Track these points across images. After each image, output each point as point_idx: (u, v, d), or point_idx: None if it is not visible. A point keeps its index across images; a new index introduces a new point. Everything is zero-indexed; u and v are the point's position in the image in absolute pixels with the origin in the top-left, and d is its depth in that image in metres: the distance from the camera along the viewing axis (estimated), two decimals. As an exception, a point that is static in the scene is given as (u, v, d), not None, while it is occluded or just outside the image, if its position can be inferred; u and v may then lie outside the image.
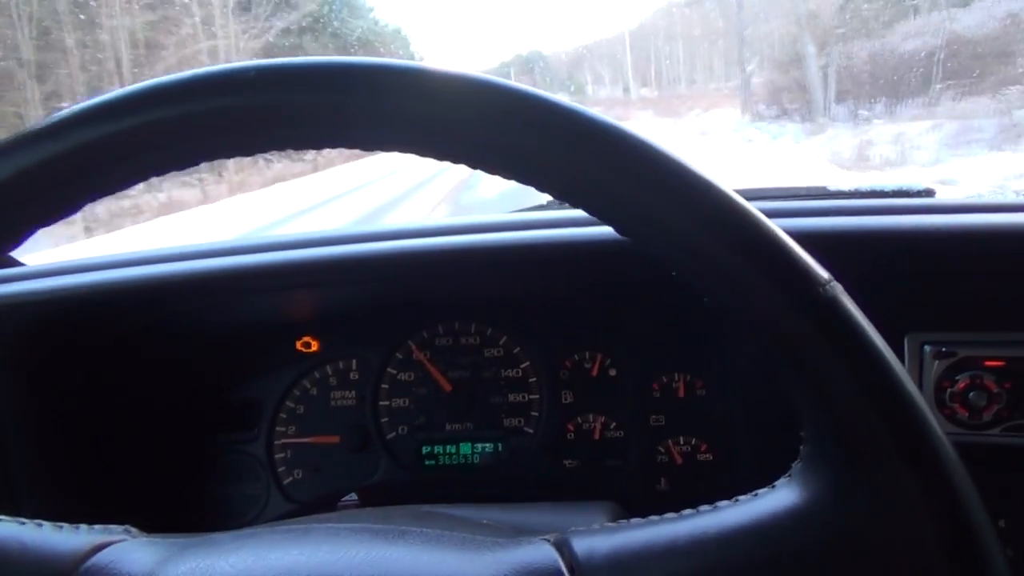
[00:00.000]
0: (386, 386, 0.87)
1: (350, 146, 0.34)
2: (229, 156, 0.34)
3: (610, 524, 0.34)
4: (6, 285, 0.73)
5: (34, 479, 0.73)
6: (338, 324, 0.87)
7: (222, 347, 0.88)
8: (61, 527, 0.35)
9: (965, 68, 11.27)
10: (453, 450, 0.86)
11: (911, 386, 0.32)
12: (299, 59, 0.32)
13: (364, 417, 0.87)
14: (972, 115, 10.01)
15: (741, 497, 0.34)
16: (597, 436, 0.85)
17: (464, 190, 9.97)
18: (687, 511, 0.34)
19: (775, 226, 0.32)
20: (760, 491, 0.34)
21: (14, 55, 10.64)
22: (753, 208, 0.32)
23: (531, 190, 0.35)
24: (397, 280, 0.78)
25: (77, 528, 0.35)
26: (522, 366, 0.86)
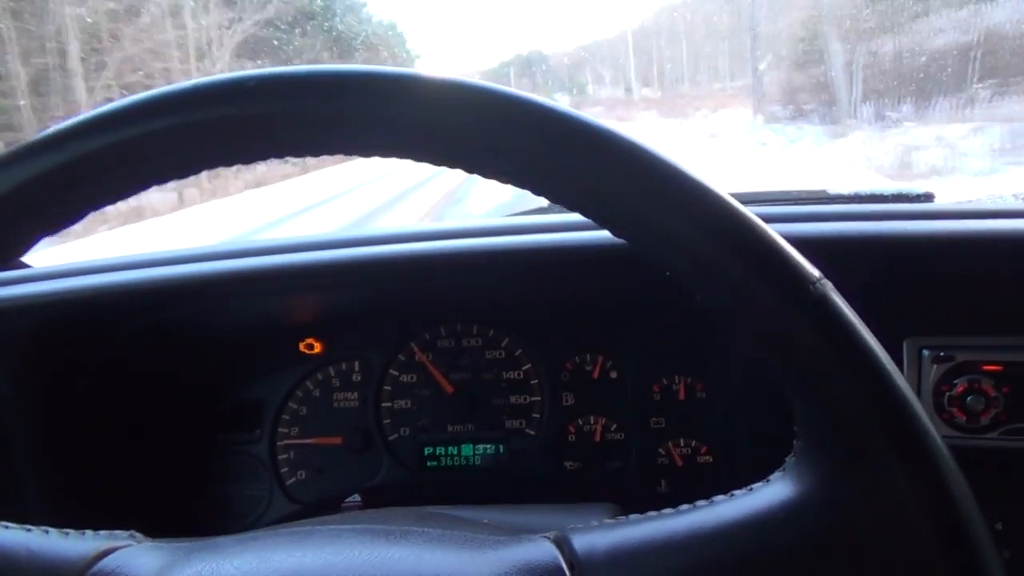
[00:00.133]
0: (388, 388, 0.88)
1: (348, 153, 0.34)
2: (229, 164, 0.34)
3: (609, 521, 0.35)
4: (11, 287, 0.73)
5: (40, 481, 0.73)
6: (341, 326, 0.88)
7: (225, 349, 0.88)
8: (67, 533, 0.35)
9: (1006, 66, 10.12)
10: (455, 451, 0.87)
11: (901, 381, 0.32)
12: (294, 68, 0.33)
13: (366, 418, 0.87)
14: (1018, 117, 9.13)
15: (736, 492, 0.35)
16: (598, 438, 0.85)
17: (452, 204, 9.51)
18: (684, 507, 0.34)
19: (765, 225, 0.33)
20: (755, 485, 0.35)
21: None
22: (743, 207, 0.33)
23: (523, 202, 0.36)
24: (400, 283, 0.79)
25: (83, 534, 0.35)
26: (523, 368, 0.87)
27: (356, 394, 0.88)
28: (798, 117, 16.17)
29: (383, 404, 0.87)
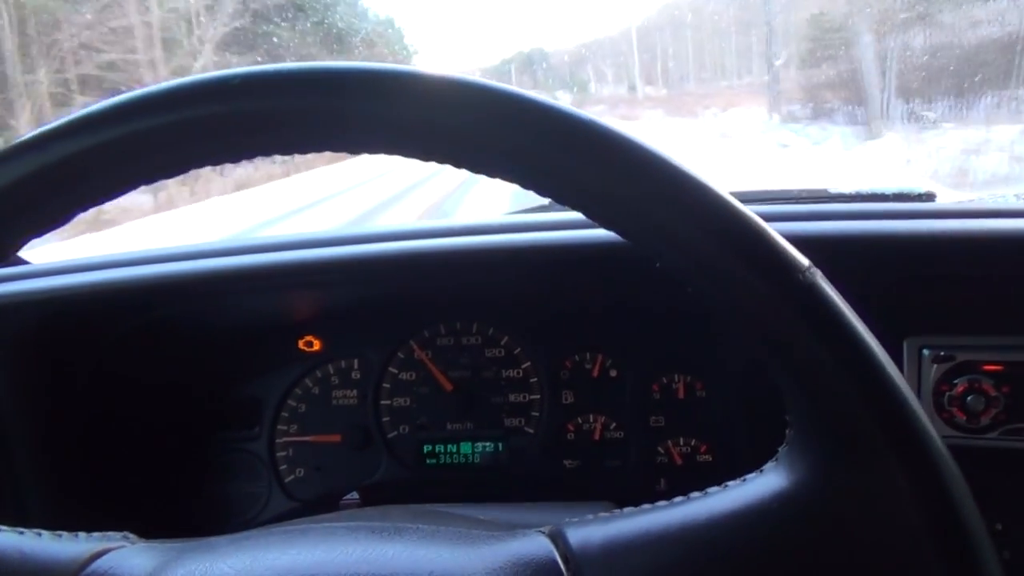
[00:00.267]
0: (387, 385, 0.88)
1: (338, 150, 0.34)
2: (218, 163, 0.34)
3: (604, 514, 0.35)
4: (9, 284, 0.73)
5: (38, 478, 0.73)
6: (340, 324, 0.88)
7: (225, 346, 0.88)
8: (60, 535, 0.35)
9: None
10: (454, 449, 0.87)
11: (891, 368, 0.32)
12: (281, 65, 0.33)
13: (366, 416, 0.87)
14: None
15: (730, 483, 0.35)
16: (597, 436, 0.85)
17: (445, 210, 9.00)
18: (678, 499, 0.34)
19: (753, 214, 0.33)
20: (748, 476, 0.35)
21: None
22: (731, 197, 0.33)
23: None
24: (399, 281, 0.79)
25: (76, 536, 0.35)
26: (523, 366, 0.87)
27: (355, 392, 0.88)
28: (819, 116, 14.61)
29: (382, 402, 0.87)
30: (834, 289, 0.33)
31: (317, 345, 0.88)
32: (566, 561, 0.33)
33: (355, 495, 0.81)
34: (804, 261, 0.33)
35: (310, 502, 0.86)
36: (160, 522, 0.80)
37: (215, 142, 0.33)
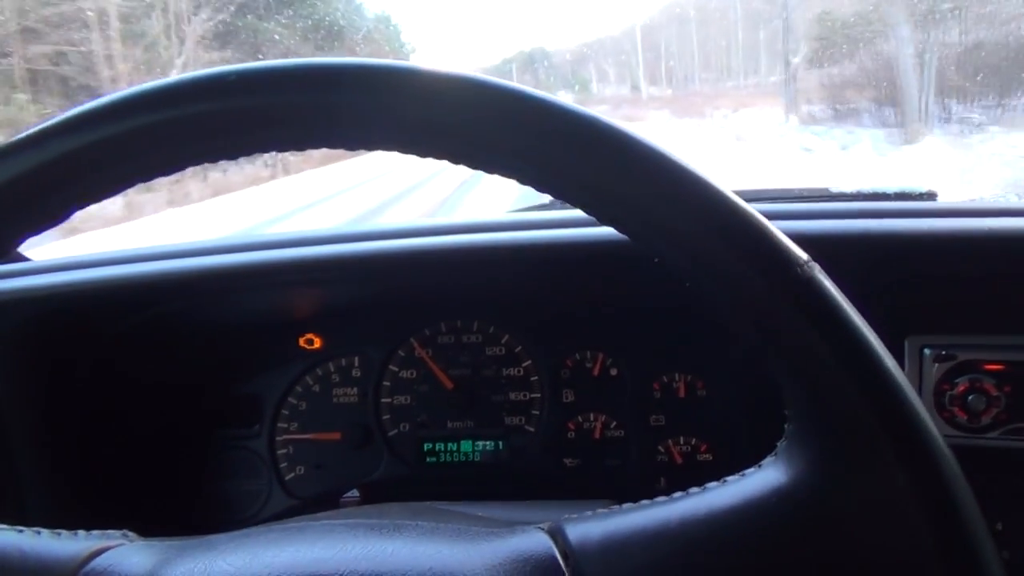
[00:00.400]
0: (388, 383, 0.88)
1: (335, 147, 0.34)
2: (215, 160, 0.34)
3: (602, 511, 0.35)
4: (10, 280, 0.73)
5: (38, 475, 0.74)
6: (341, 321, 0.88)
7: (225, 344, 0.88)
8: (59, 534, 0.35)
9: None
10: (454, 447, 0.87)
11: (890, 362, 0.32)
12: (277, 61, 0.33)
13: (366, 414, 0.87)
14: None
15: (729, 478, 0.35)
16: (597, 435, 0.85)
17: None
18: (677, 494, 0.34)
19: (751, 208, 0.33)
20: (747, 471, 0.35)
21: None
22: (729, 191, 0.33)
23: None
24: (400, 279, 0.79)
25: (75, 534, 0.35)
26: (523, 365, 0.87)
27: (355, 389, 0.88)
28: (843, 118, 13.17)
29: (382, 400, 0.87)
30: (832, 283, 0.33)
31: (318, 343, 0.88)
32: (565, 557, 0.33)
33: (355, 493, 0.81)
34: (802, 255, 0.33)
35: (310, 500, 0.86)
36: (160, 519, 0.80)
37: (213, 139, 0.33)
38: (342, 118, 0.33)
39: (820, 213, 0.74)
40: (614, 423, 0.85)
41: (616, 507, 0.35)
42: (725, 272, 0.33)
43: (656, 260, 0.34)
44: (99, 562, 0.33)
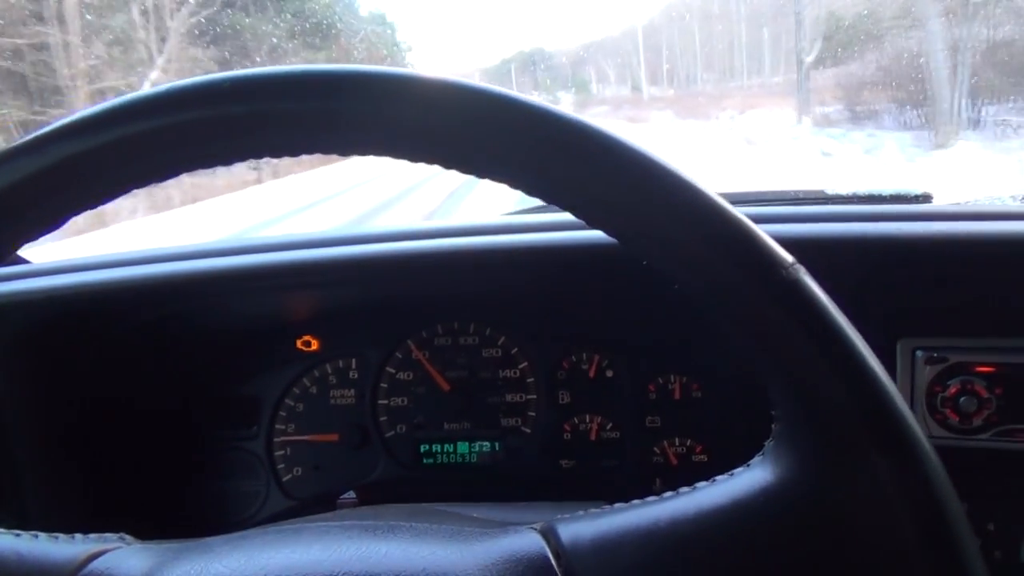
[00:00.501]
0: (385, 385, 0.88)
1: (327, 152, 0.35)
2: (209, 166, 0.35)
3: (594, 510, 0.35)
4: (10, 283, 0.73)
5: (37, 476, 0.74)
6: (338, 323, 0.88)
7: (223, 345, 0.89)
8: (57, 537, 0.35)
9: None
10: (451, 449, 0.87)
11: (875, 363, 0.33)
12: (270, 68, 0.33)
13: (363, 415, 0.87)
14: None
15: (718, 477, 0.35)
16: (593, 437, 0.86)
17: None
18: (668, 493, 0.35)
19: (737, 211, 0.33)
20: (736, 470, 0.35)
21: None
22: (715, 194, 0.33)
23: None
24: (397, 281, 0.79)
25: (73, 538, 0.36)
26: (520, 366, 0.87)
27: (353, 391, 0.88)
28: (861, 120, 12.35)
29: (379, 401, 0.88)
30: (818, 285, 0.33)
31: (315, 345, 0.89)
32: (557, 557, 0.33)
33: (352, 494, 0.82)
34: (788, 257, 0.33)
35: (308, 501, 0.87)
36: (159, 520, 0.81)
37: (207, 145, 0.34)
38: (334, 125, 0.33)
39: (815, 216, 0.74)
40: (610, 424, 0.86)
41: (607, 507, 0.35)
42: (711, 275, 0.33)
43: (644, 263, 0.35)
44: (96, 565, 0.34)
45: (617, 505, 0.35)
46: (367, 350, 0.88)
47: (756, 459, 0.35)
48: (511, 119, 0.33)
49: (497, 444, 0.87)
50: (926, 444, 0.32)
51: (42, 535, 0.35)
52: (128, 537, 0.37)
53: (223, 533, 0.38)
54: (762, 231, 0.33)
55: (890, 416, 0.32)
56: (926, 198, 0.95)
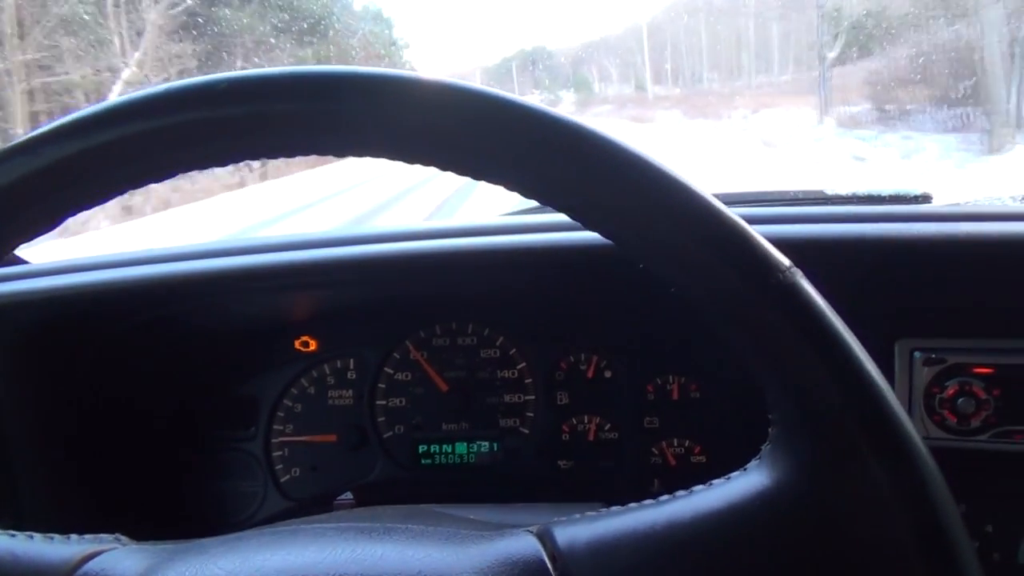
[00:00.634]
0: (383, 385, 0.88)
1: (324, 153, 0.35)
2: (205, 167, 0.35)
3: (591, 513, 0.35)
4: (9, 283, 0.74)
5: (35, 476, 0.74)
6: (336, 324, 0.88)
7: (221, 346, 0.89)
8: (52, 538, 0.36)
9: None
10: (449, 449, 0.87)
11: (872, 368, 0.33)
12: (268, 70, 0.34)
13: (361, 416, 0.87)
14: None
15: (715, 481, 0.35)
16: (592, 437, 0.86)
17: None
18: (664, 497, 0.35)
19: (734, 215, 0.33)
20: (732, 474, 0.35)
21: None
22: (712, 198, 0.33)
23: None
24: (395, 281, 0.79)
25: (68, 538, 0.36)
26: (518, 367, 0.87)
27: (351, 392, 0.88)
28: (893, 121, 11.13)
29: (378, 402, 0.88)
30: (815, 289, 0.33)
31: (313, 345, 0.89)
32: (553, 560, 0.33)
33: (349, 495, 0.82)
34: (784, 261, 0.33)
35: (306, 502, 0.87)
36: (157, 521, 0.81)
37: (202, 147, 0.34)
38: (332, 126, 0.33)
39: (814, 217, 0.74)
40: (608, 425, 0.86)
41: (604, 510, 0.35)
42: (708, 278, 0.33)
43: (641, 266, 0.35)
44: (91, 566, 0.34)
45: (613, 508, 0.35)
46: (365, 350, 0.88)
47: (753, 463, 0.35)
48: (507, 121, 0.33)
49: (495, 445, 0.87)
50: (922, 448, 0.32)
51: (37, 536, 0.36)
52: (123, 538, 0.37)
53: (221, 534, 0.38)
54: (759, 234, 0.33)
55: (886, 420, 0.32)
56: (925, 198, 0.95)
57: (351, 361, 0.89)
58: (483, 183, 0.36)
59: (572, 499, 0.77)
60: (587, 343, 0.86)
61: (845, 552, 0.33)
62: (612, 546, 0.33)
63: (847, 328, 0.33)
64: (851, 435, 0.32)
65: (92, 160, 0.33)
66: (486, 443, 0.87)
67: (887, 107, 11.89)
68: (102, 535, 0.37)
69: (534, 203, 0.92)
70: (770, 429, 0.35)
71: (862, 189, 1.00)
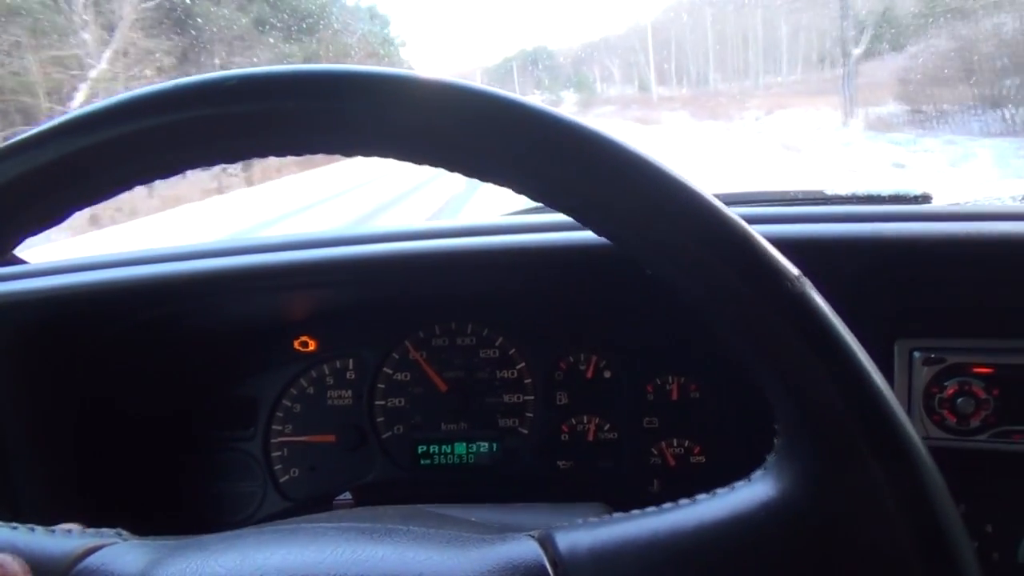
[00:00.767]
0: (382, 386, 0.88)
1: (329, 152, 0.35)
2: (210, 164, 0.35)
3: (593, 519, 0.35)
4: (8, 283, 0.74)
5: (34, 475, 0.74)
6: (335, 324, 0.88)
7: (220, 346, 0.89)
8: (53, 531, 0.36)
9: None
10: (448, 450, 0.87)
11: (879, 379, 0.33)
12: (274, 68, 0.33)
13: (360, 416, 0.87)
14: None
15: (719, 490, 0.35)
16: (591, 437, 0.86)
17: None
18: (667, 504, 0.35)
19: (744, 223, 0.33)
20: (737, 484, 0.35)
21: None
22: (723, 206, 0.33)
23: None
24: (394, 282, 0.79)
25: (69, 532, 0.36)
26: (517, 367, 0.87)
27: (350, 392, 0.88)
28: (931, 123, 9.98)
29: (377, 402, 0.88)
30: (823, 299, 0.33)
31: (312, 345, 0.89)
32: (554, 566, 0.33)
33: (348, 495, 0.82)
34: (793, 270, 0.33)
35: (305, 502, 0.87)
36: (155, 520, 0.81)
37: (209, 144, 0.34)
38: (334, 124, 0.33)
39: (814, 217, 0.74)
40: (607, 425, 0.85)
41: (607, 516, 0.35)
42: (715, 286, 0.33)
43: (648, 272, 0.35)
44: (92, 560, 0.34)
45: (616, 515, 0.35)
46: (364, 351, 0.88)
47: (758, 473, 0.35)
48: (508, 121, 0.33)
49: (494, 445, 0.87)
50: (922, 449, 0.32)
51: (39, 528, 0.36)
52: (125, 533, 0.37)
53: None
54: (767, 242, 0.33)
55: (894, 436, 0.32)
56: (925, 198, 0.94)
57: (350, 361, 0.89)
58: (485, 183, 0.36)
59: (571, 499, 0.76)
60: (586, 343, 0.86)
61: (846, 556, 0.32)
62: (614, 553, 0.33)
63: (855, 338, 0.33)
64: (859, 449, 0.32)
65: (96, 157, 0.33)
66: (485, 443, 0.87)
67: (923, 108, 10.71)
68: (103, 529, 0.37)
69: (534, 202, 0.92)
70: (775, 439, 0.35)
71: (862, 189, 1.00)
